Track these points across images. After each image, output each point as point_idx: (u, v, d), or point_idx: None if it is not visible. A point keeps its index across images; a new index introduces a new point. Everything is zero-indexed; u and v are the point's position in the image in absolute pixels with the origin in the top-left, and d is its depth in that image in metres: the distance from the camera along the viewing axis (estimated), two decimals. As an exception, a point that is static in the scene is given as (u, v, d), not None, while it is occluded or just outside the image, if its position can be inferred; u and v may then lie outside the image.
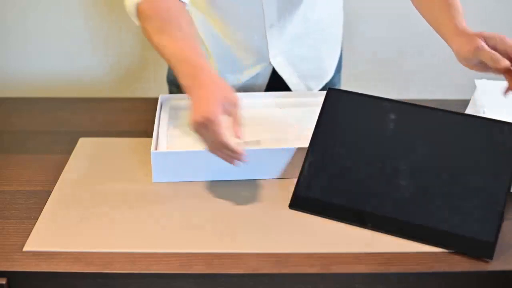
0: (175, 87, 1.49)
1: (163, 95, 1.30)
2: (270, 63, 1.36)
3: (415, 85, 1.98)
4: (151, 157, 1.09)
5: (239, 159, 1.02)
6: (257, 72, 1.39)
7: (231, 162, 1.03)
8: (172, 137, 1.18)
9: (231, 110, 1.03)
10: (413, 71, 1.98)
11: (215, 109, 1.00)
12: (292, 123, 1.23)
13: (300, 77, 1.41)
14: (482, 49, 1.02)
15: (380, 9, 1.84)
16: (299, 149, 1.09)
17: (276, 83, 1.41)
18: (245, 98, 1.31)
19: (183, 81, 1.06)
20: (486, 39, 1.04)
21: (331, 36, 1.45)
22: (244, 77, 1.40)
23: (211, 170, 1.10)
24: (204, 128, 0.99)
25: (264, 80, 1.40)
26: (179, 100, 1.30)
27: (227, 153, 1.01)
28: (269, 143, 1.15)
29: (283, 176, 1.11)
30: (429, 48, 1.95)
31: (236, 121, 1.04)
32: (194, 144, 1.14)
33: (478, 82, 1.25)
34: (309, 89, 1.43)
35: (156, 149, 1.11)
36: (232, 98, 1.03)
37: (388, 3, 1.85)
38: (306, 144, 1.08)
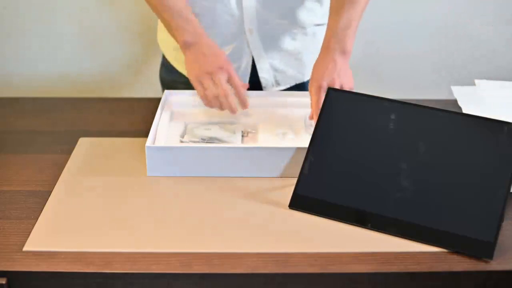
0: (167, 87, 1.49)
1: (168, 91, 1.30)
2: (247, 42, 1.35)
3: (413, 85, 1.98)
4: (146, 151, 1.09)
5: (243, 103, 1.21)
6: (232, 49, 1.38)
7: (231, 109, 1.19)
8: (173, 135, 1.18)
9: (230, 77, 1.20)
10: (412, 71, 1.98)
11: (224, 62, 1.20)
12: (291, 123, 1.23)
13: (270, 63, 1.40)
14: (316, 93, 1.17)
15: (377, 8, 1.84)
16: (299, 148, 1.09)
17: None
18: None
19: (185, 36, 1.22)
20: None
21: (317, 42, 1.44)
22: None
23: (209, 167, 1.10)
24: (211, 78, 1.18)
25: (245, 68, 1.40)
26: (184, 96, 1.30)
27: (229, 100, 1.18)
28: (268, 138, 1.16)
29: (283, 175, 1.11)
30: (428, 48, 1.95)
31: (239, 86, 1.20)
32: (195, 143, 1.15)
33: (478, 82, 1.25)
34: (276, 82, 1.42)
35: (153, 144, 1.12)
36: (230, 66, 1.21)
37: (387, 2, 1.85)
38: (306, 144, 1.08)
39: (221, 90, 1.18)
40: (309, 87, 1.20)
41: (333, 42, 1.20)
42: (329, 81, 1.17)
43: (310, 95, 1.19)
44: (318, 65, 1.21)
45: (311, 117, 1.19)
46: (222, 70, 1.20)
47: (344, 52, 1.20)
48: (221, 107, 1.20)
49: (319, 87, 1.16)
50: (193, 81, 1.21)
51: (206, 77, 1.19)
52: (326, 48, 1.21)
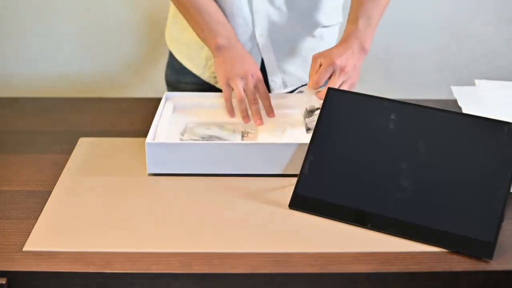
0: (172, 88, 1.49)
1: (168, 93, 1.31)
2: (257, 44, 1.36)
3: (415, 85, 1.98)
4: (146, 148, 1.09)
5: (270, 112, 1.23)
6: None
7: (252, 116, 1.22)
8: (173, 134, 1.18)
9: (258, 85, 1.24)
10: (413, 71, 1.98)
11: (254, 68, 1.23)
12: (291, 124, 1.23)
13: (279, 63, 1.40)
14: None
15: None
16: (300, 144, 1.09)
17: None
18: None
19: (218, 39, 1.24)
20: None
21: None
22: None
23: (209, 164, 1.10)
24: (240, 82, 1.21)
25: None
26: (184, 98, 1.30)
27: (254, 107, 1.21)
28: (267, 139, 1.17)
29: (284, 171, 1.11)
30: (429, 48, 1.95)
31: (266, 94, 1.24)
32: (195, 141, 1.15)
33: (478, 82, 1.25)
34: (284, 84, 1.42)
35: (153, 141, 1.12)
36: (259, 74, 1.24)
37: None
38: (305, 141, 1.08)
39: (250, 95, 1.22)
40: (316, 57, 1.17)
41: (352, 37, 1.19)
42: (341, 63, 1.15)
43: (313, 63, 1.17)
44: (335, 48, 1.18)
45: (309, 86, 1.17)
46: (252, 76, 1.23)
47: (362, 49, 1.19)
48: (243, 112, 1.22)
49: (332, 63, 1.14)
50: (221, 82, 1.25)
51: (235, 80, 1.22)
52: (345, 41, 1.20)
